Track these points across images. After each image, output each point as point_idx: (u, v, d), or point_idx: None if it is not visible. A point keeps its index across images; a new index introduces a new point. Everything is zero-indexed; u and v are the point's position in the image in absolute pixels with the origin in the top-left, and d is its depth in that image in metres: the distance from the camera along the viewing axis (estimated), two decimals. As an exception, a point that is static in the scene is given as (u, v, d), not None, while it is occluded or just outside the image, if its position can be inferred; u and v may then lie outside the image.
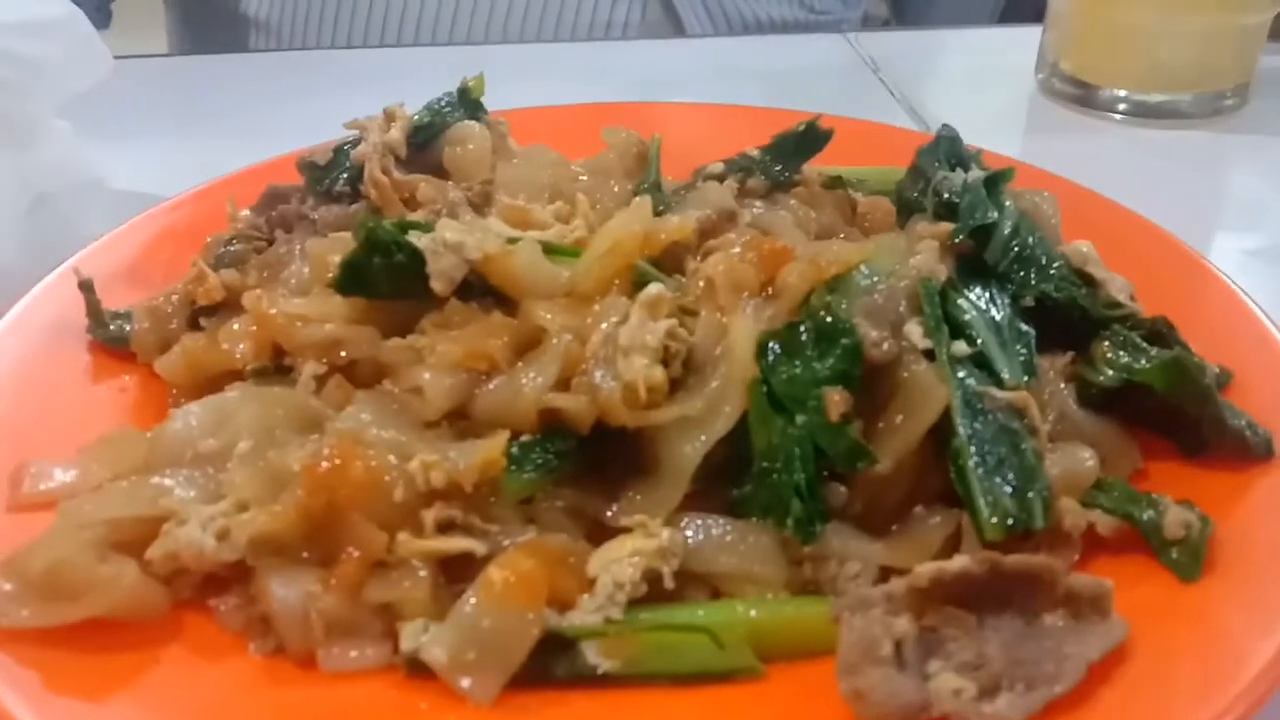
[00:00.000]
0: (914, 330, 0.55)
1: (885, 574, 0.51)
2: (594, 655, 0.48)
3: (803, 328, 0.55)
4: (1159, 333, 0.62)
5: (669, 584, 0.51)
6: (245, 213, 0.78)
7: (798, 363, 0.54)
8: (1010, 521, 0.49)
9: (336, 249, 0.63)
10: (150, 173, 1.00)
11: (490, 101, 0.81)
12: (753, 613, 0.50)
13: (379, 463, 0.52)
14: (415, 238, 0.58)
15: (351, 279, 0.59)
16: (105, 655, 0.47)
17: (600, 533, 0.54)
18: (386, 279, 0.59)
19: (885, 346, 0.54)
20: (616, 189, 0.73)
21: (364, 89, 1.03)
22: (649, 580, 0.51)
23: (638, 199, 0.63)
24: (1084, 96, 1.15)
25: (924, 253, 0.60)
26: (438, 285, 0.58)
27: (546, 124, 0.96)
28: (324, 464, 0.51)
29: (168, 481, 0.53)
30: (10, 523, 0.54)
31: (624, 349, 0.55)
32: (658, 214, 0.69)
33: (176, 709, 0.46)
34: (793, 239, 0.66)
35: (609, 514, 0.54)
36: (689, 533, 0.53)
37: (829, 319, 0.54)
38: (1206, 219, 0.99)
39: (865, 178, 0.82)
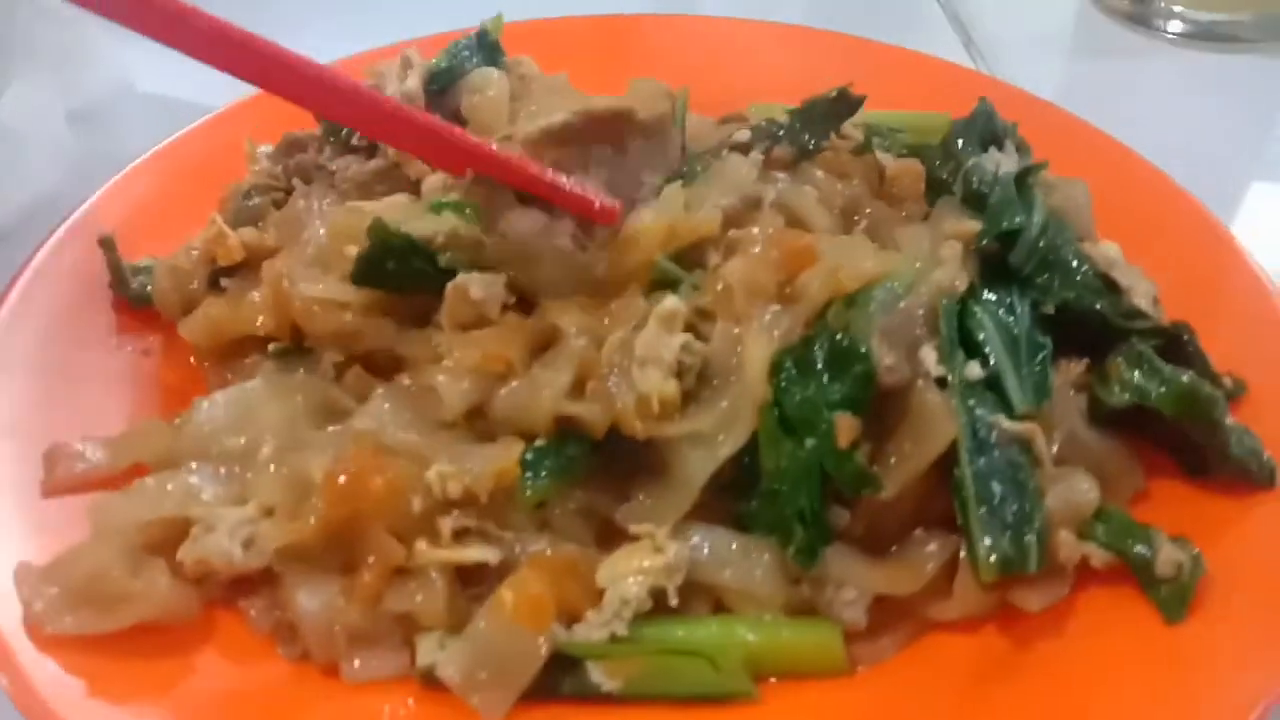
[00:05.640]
0: (928, 356, 0.55)
1: (881, 598, 0.53)
2: (598, 675, 0.51)
3: (818, 347, 0.55)
4: (1178, 339, 0.61)
5: (673, 601, 0.53)
6: (263, 149, 0.78)
7: (810, 385, 0.54)
8: (1006, 564, 0.51)
9: (352, 228, 0.63)
10: (178, 70, 0.98)
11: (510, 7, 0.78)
12: (750, 636, 0.52)
13: (397, 475, 0.53)
14: (449, 259, 0.59)
15: (366, 274, 0.59)
16: (144, 660, 0.50)
17: (610, 531, 0.57)
18: (401, 278, 0.59)
19: (898, 373, 0.54)
20: (639, 147, 0.72)
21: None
22: (654, 595, 0.53)
23: (667, 189, 0.62)
24: (1137, 12, 1.09)
25: (947, 259, 0.59)
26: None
27: (569, 39, 0.93)
28: (344, 477, 0.52)
29: (194, 480, 0.55)
30: (47, 509, 0.57)
31: (639, 360, 0.56)
32: (678, 176, 0.69)
33: (216, 716, 0.49)
34: (818, 219, 0.65)
35: (619, 515, 0.56)
36: (695, 543, 0.55)
37: (844, 341, 0.54)
38: (1254, 160, 0.96)
39: (901, 126, 0.80)
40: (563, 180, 0.60)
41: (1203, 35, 1.06)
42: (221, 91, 0.93)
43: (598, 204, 0.60)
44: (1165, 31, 1.07)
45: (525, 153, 0.62)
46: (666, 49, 0.94)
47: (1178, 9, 1.07)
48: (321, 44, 0.56)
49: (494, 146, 0.62)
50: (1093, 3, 1.13)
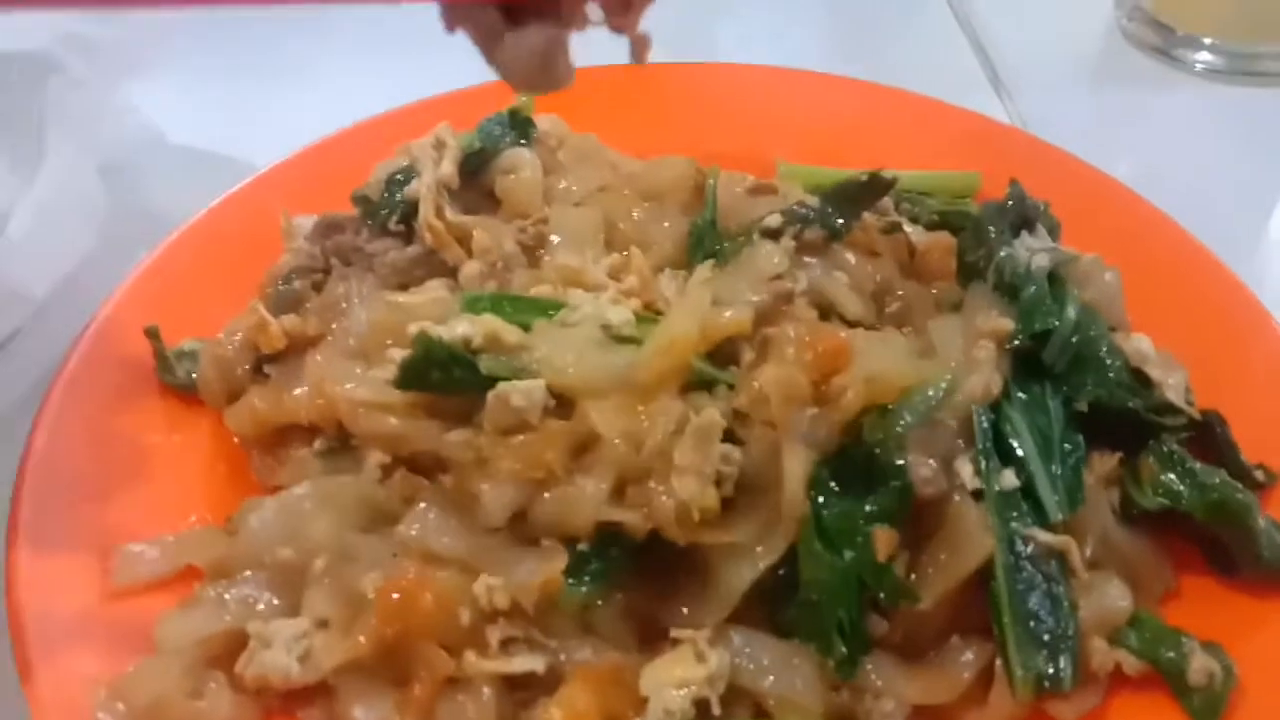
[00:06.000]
0: (965, 468, 0.56)
1: (919, 708, 0.55)
2: (645, 786, 0.53)
3: (854, 458, 0.56)
4: (1210, 430, 0.62)
5: (716, 710, 0.55)
6: (299, 221, 0.79)
7: (848, 497, 0.56)
8: (1042, 683, 0.52)
9: (392, 325, 0.64)
10: (208, 119, 1.00)
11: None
12: (792, 748, 0.54)
13: (445, 589, 0.55)
14: (490, 367, 0.60)
15: (410, 380, 0.60)
16: (209, 776, 0.52)
17: (652, 632, 0.58)
18: (444, 386, 0.60)
19: (935, 486, 0.55)
20: (669, 226, 0.73)
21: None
22: (697, 703, 0.55)
23: (692, 288, 0.63)
24: (1164, 42, 1.08)
25: (982, 362, 0.60)
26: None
27: (592, 90, 0.93)
28: (396, 594, 0.54)
29: (249, 591, 0.57)
30: (107, 613, 0.59)
31: (678, 469, 0.57)
32: (711, 254, 0.70)
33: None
34: (850, 306, 0.67)
35: (661, 616, 0.58)
36: (736, 648, 0.56)
37: (880, 454, 0.56)
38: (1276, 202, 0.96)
39: (930, 189, 0.81)
40: None
41: (1231, 67, 1.05)
42: (250, 136, 0.96)
43: None
44: (1194, 63, 1.07)
45: None
46: (692, 100, 0.94)
47: (1206, 40, 1.06)
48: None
49: None
50: (1120, 34, 1.12)
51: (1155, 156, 0.98)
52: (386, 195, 0.74)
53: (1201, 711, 0.53)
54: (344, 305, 0.71)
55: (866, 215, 0.72)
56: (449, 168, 0.73)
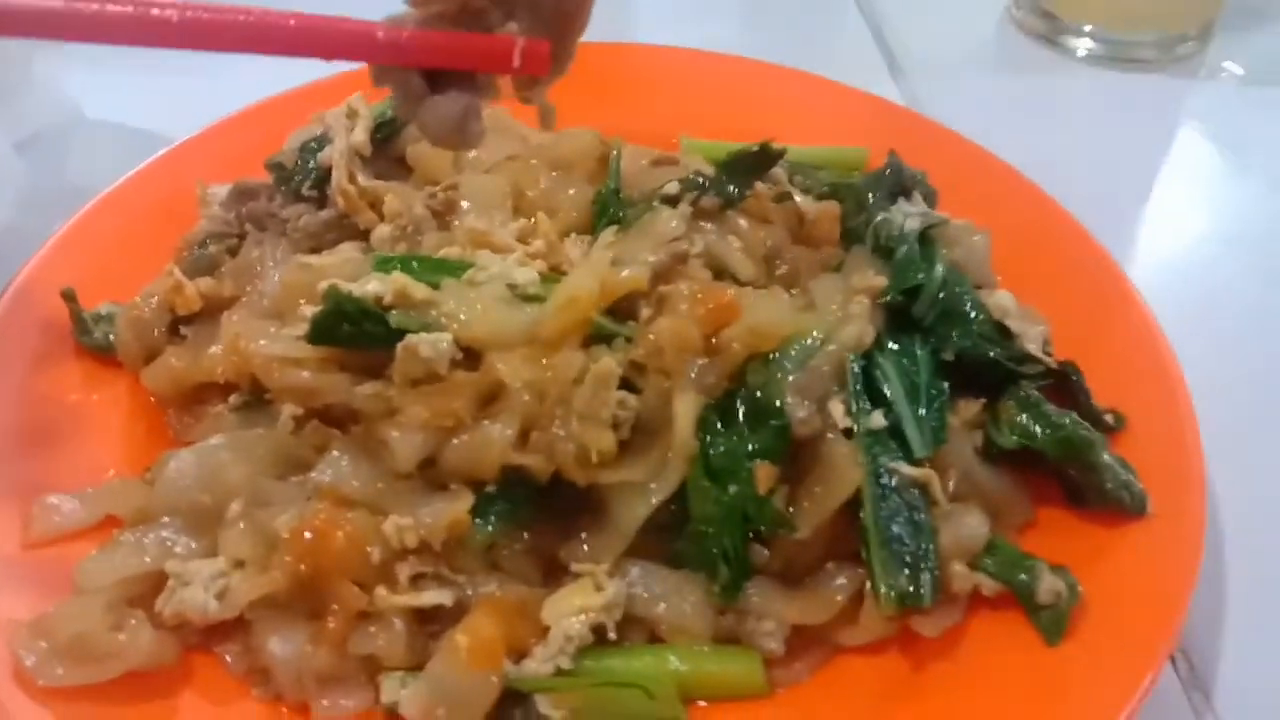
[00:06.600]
0: (837, 409, 0.61)
1: (796, 627, 0.60)
2: (546, 706, 0.57)
3: (739, 401, 0.61)
4: (1066, 379, 0.68)
5: (612, 635, 0.59)
6: (213, 190, 0.81)
7: (732, 436, 0.60)
8: (904, 600, 0.57)
9: (304, 284, 0.67)
10: (126, 96, 1.00)
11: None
12: (681, 665, 0.59)
13: (357, 528, 0.58)
14: (399, 320, 0.62)
15: (321, 335, 0.63)
16: (131, 705, 0.55)
17: (555, 568, 0.62)
18: (355, 339, 0.63)
19: (810, 425, 0.60)
20: (575, 193, 0.77)
21: None
22: (595, 630, 0.59)
23: (599, 243, 0.67)
24: (1050, 30, 1.15)
25: (856, 315, 0.65)
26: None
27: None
28: (308, 533, 0.57)
29: (167, 535, 0.60)
30: (28, 560, 0.61)
31: (579, 414, 0.61)
32: (614, 220, 0.74)
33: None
34: (741, 268, 0.71)
35: (562, 553, 0.62)
36: (631, 579, 0.61)
37: (762, 397, 0.60)
38: (1148, 178, 1.03)
39: (821, 162, 0.86)
40: (467, 36, 0.53)
41: (1110, 53, 1.13)
42: (168, 115, 0.97)
43: (518, 50, 0.53)
44: (1076, 49, 1.14)
45: (419, 22, 0.55)
46: (603, 78, 0.98)
47: (1087, 28, 1.13)
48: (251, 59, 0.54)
49: (379, 33, 0.54)
50: (1011, 22, 1.18)
51: (1040, 135, 1.04)
52: (300, 162, 0.77)
53: (1048, 626, 0.59)
54: (258, 268, 0.74)
55: (760, 185, 0.77)
56: (361, 135, 0.76)
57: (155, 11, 0.52)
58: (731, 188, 0.75)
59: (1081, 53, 1.14)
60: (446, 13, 0.56)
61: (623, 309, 0.67)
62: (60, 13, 0.52)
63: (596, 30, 0.59)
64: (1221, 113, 1.09)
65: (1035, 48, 1.16)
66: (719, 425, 0.61)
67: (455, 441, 0.62)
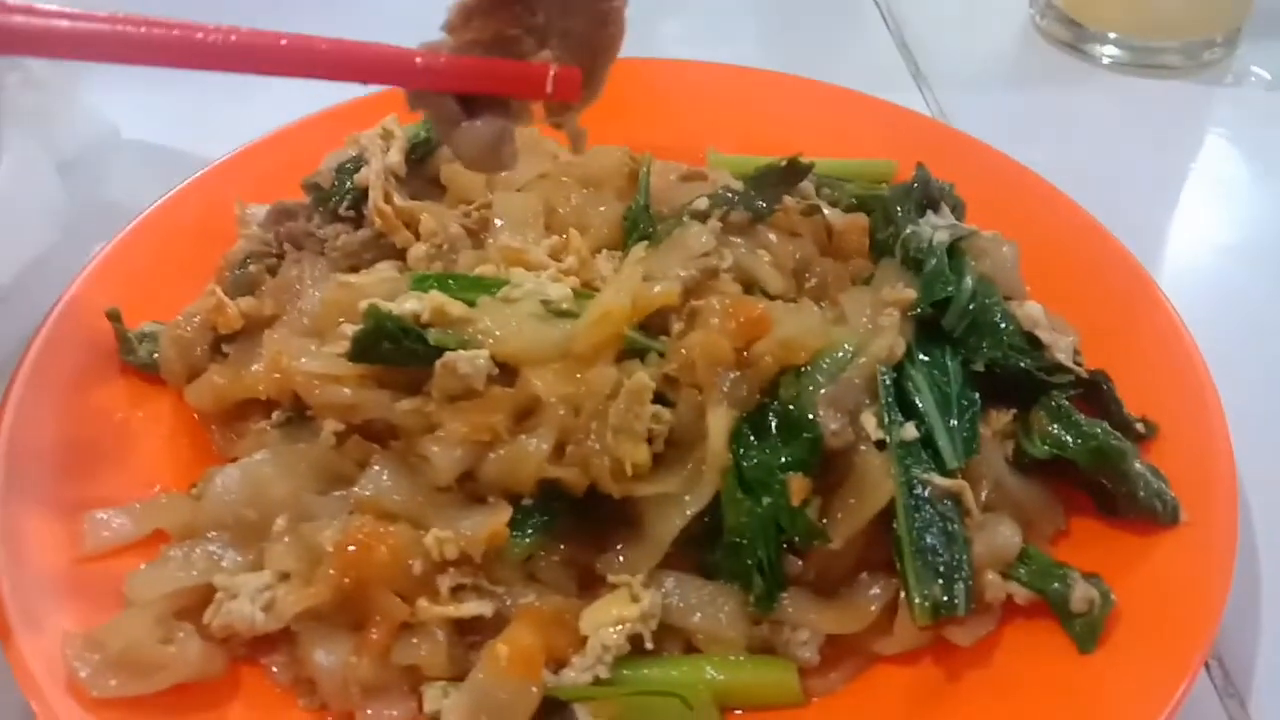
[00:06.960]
0: (869, 421, 0.62)
1: (831, 637, 0.61)
2: (584, 715, 0.58)
3: (771, 414, 0.62)
4: (1097, 388, 0.69)
5: (649, 645, 0.60)
6: (252, 211, 0.83)
7: (765, 449, 0.61)
8: (938, 610, 0.58)
9: (344, 303, 0.68)
10: (163, 117, 1.03)
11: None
12: (717, 674, 0.59)
13: (398, 541, 0.60)
14: (437, 338, 0.63)
15: (361, 352, 0.65)
16: (182, 716, 0.57)
17: (591, 578, 0.64)
18: (394, 356, 0.65)
19: (842, 437, 0.61)
20: (605, 210, 0.78)
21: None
22: (632, 640, 0.60)
23: (626, 266, 0.68)
24: (1075, 38, 1.15)
25: (886, 327, 0.65)
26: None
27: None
28: (352, 547, 0.59)
29: (215, 549, 0.61)
30: (79, 574, 0.63)
31: (613, 428, 0.62)
32: (645, 236, 0.75)
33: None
34: (771, 282, 0.72)
35: (599, 564, 0.63)
36: (667, 590, 0.62)
37: (794, 410, 0.61)
38: (1175, 186, 1.03)
39: (849, 175, 0.87)
40: (501, 63, 0.55)
41: (1135, 60, 1.13)
42: (204, 133, 0.99)
43: (551, 76, 0.56)
44: (1101, 57, 1.14)
45: (454, 49, 0.56)
46: (631, 94, 0.99)
47: (1112, 35, 1.14)
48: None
49: (417, 59, 0.56)
50: (1034, 30, 1.19)
51: (1065, 142, 1.05)
52: (337, 183, 0.78)
53: (1082, 635, 0.59)
54: (297, 287, 0.75)
55: (788, 199, 0.78)
56: (396, 156, 0.78)
57: (199, 35, 0.54)
58: (760, 202, 0.76)
59: (1106, 60, 1.14)
60: (481, 40, 0.57)
61: (655, 324, 0.68)
62: (105, 36, 0.54)
63: (623, 46, 0.61)
64: (1249, 119, 1.09)
65: (1060, 56, 1.16)
66: (752, 438, 0.62)
67: (493, 455, 0.63)
